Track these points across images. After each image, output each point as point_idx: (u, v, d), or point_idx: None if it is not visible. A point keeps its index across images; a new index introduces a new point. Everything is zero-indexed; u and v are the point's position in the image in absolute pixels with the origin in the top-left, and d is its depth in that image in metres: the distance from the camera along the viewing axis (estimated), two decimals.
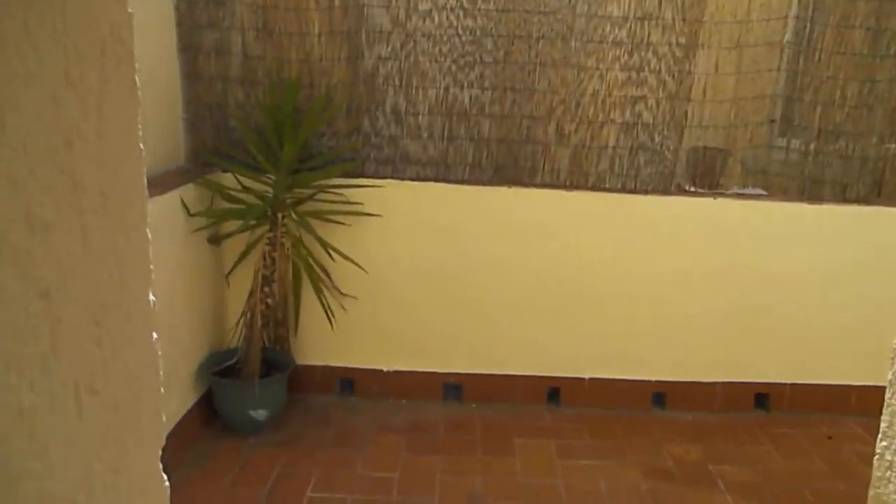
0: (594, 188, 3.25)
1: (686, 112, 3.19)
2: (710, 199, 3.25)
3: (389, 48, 3.09)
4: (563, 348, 3.34)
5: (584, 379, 3.37)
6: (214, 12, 3.02)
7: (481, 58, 3.12)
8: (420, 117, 3.15)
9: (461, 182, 3.22)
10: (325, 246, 3.04)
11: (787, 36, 3.15)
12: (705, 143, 3.23)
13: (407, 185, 3.17)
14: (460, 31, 3.09)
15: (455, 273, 3.25)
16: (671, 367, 3.38)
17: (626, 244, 3.25)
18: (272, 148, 2.94)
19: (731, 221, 3.26)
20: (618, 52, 3.13)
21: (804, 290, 3.35)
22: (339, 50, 3.09)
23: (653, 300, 3.30)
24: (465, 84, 3.14)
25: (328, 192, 3.05)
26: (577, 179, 3.25)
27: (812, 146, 3.25)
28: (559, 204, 3.23)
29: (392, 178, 3.18)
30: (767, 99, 3.21)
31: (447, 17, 3.07)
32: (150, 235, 0.71)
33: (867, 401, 3.45)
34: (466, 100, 3.16)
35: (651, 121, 3.19)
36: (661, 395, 3.40)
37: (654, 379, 3.38)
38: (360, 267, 3.11)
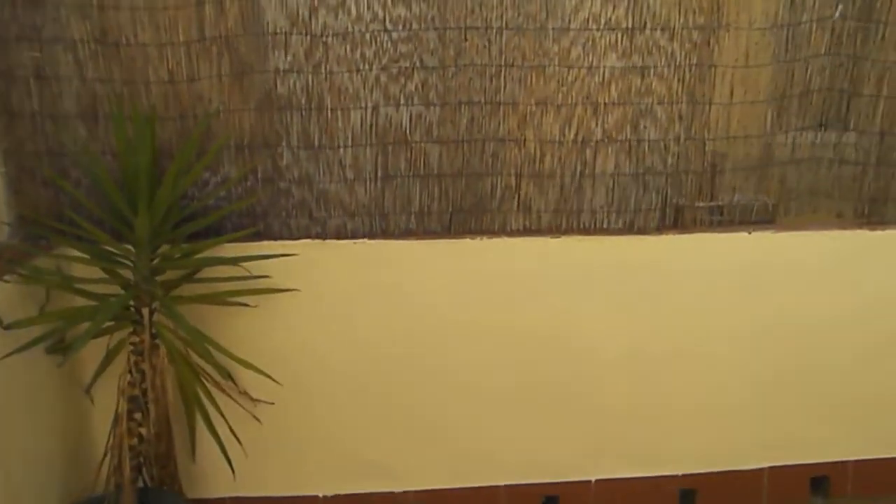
0: (589, 231, 2.39)
1: (708, 119, 2.33)
2: (745, 234, 2.41)
3: (290, 57, 2.16)
4: (559, 445, 2.48)
5: (589, 482, 2.52)
6: (27, 18, 2.06)
7: (422, 61, 2.22)
8: (341, 150, 2.24)
9: (406, 235, 2.32)
10: (212, 346, 2.12)
11: (840, 9, 2.31)
12: (734, 160, 2.39)
13: (331, 245, 2.27)
14: (389, 26, 2.19)
15: (407, 357, 2.37)
16: (702, 455, 2.55)
17: (634, 302, 2.40)
18: (124, 214, 2.01)
19: (770, 260, 2.43)
20: (612, 39, 2.25)
21: (865, 339, 2.54)
22: (218, 63, 2.16)
23: (673, 372, 2.46)
24: (402, 99, 2.24)
25: (220, 265, 2.15)
26: (566, 220, 2.38)
27: (873, 155, 2.43)
28: (542, 255, 2.36)
29: (309, 237, 2.27)
30: (814, 95, 2.37)
31: (368, 7, 2.16)
32: None
33: None
34: (405, 121, 2.26)
35: (662, 136, 2.33)
36: (690, 492, 2.57)
37: (680, 473, 2.55)
38: (265, 375, 2.20)
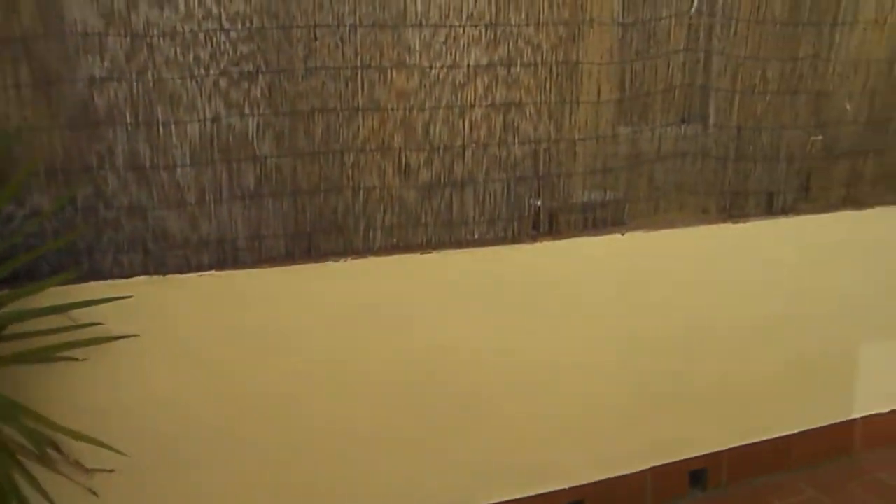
0: (462, 244, 2.22)
1: (577, 119, 2.23)
2: (618, 236, 2.34)
3: (107, 62, 1.81)
4: (440, 476, 2.30)
5: None
6: None
7: (266, 63, 1.94)
8: (178, 169, 1.92)
9: (260, 263, 2.04)
10: (28, 417, 1.74)
11: (696, 3, 2.28)
12: (604, 160, 2.31)
13: (172, 281, 1.94)
14: (226, 23, 1.89)
15: (268, 400, 2.08)
16: (588, 465, 2.47)
17: (513, 315, 2.26)
18: None
19: (643, 260, 2.38)
20: (475, 35, 2.09)
21: (732, 333, 2.58)
22: (14, 72, 1.76)
23: (556, 385, 2.36)
24: (246, 107, 1.95)
25: (35, 317, 1.76)
26: (437, 234, 2.20)
27: (732, 149, 2.44)
28: (414, 273, 2.16)
29: (146, 273, 1.93)
30: (676, 91, 2.34)
31: (199, 3, 1.85)
32: None
33: (809, 448, 2.80)
34: (250, 132, 1.97)
35: (531, 137, 2.21)
36: (578, 502, 2.49)
37: (567, 486, 2.46)
38: (94, 442, 1.84)
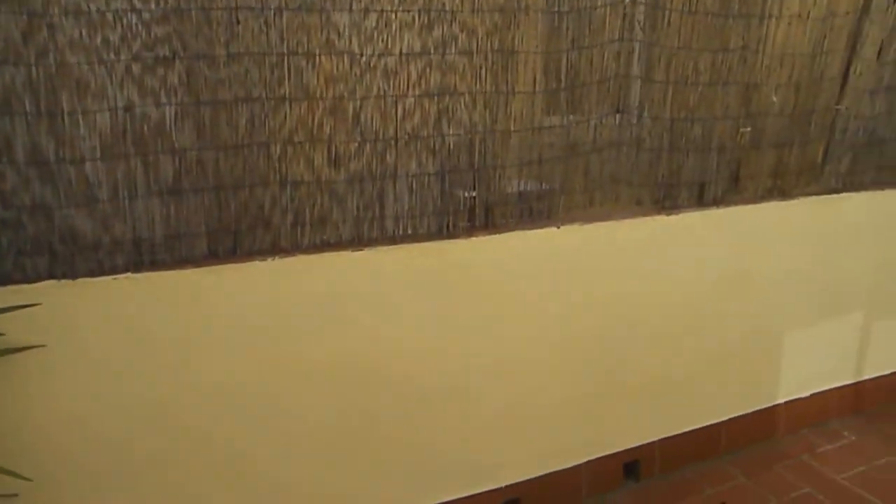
0: (395, 239, 2.12)
1: (512, 110, 2.17)
2: (554, 229, 2.30)
3: (1, 43, 1.63)
4: (375, 480, 2.21)
5: None
6: None
7: (184, 47, 1.79)
8: (87, 164, 1.75)
9: (181, 263, 1.89)
10: None
11: None
12: (540, 151, 2.25)
13: (83, 285, 1.77)
14: (138, 2, 1.72)
15: (191, 412, 1.94)
16: (523, 463, 2.44)
17: (450, 312, 2.19)
18: None
19: (578, 253, 2.35)
20: (408, 19, 1.99)
21: (662, 323, 2.58)
22: None
23: (492, 382, 2.31)
24: (164, 96, 1.80)
25: None
26: (368, 230, 2.10)
27: (665, 140, 2.43)
28: (346, 271, 2.05)
29: (53, 277, 1.76)
30: (611, 81, 2.30)
31: None
32: None
33: (736, 434, 2.85)
34: (168, 122, 1.82)
35: (467, 129, 2.13)
36: (513, 500, 2.45)
37: (503, 485, 2.41)
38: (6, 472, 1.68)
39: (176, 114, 1.82)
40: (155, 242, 1.87)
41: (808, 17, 2.53)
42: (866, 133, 2.85)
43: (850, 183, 2.88)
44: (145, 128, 1.79)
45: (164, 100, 1.79)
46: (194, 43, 1.79)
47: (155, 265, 1.87)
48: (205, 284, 1.90)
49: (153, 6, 1.73)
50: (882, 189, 2.95)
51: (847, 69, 2.70)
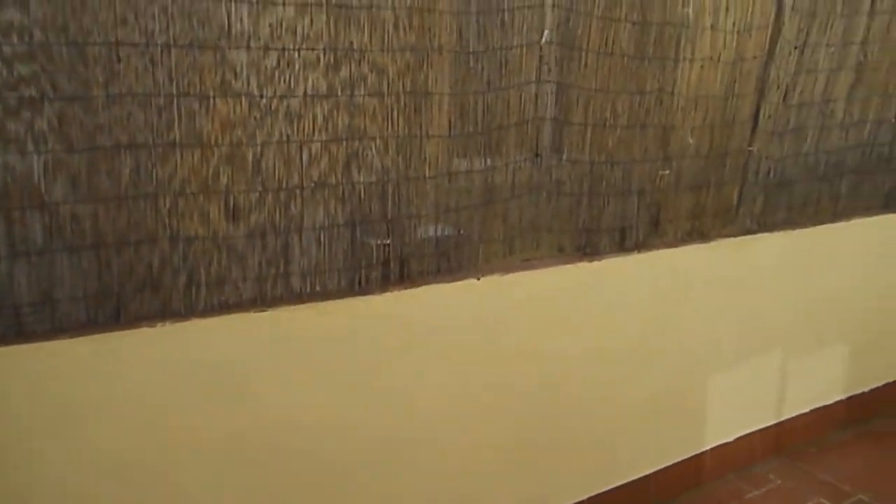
0: (302, 297, 1.93)
1: (427, 155, 2.03)
2: (474, 281, 2.16)
3: None
4: None
5: None
6: None
7: (54, 87, 1.57)
8: None
9: (51, 334, 1.64)
10: None
11: (546, 34, 2.16)
12: (457, 199, 2.12)
13: None
14: None
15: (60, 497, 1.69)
16: None
17: (362, 379, 2.01)
18: None
19: (500, 307, 2.22)
20: (312, 58, 1.83)
21: (596, 372, 2.48)
22: None
23: (416, 451, 2.13)
24: (29, 143, 1.56)
25: None
26: (272, 288, 1.90)
27: (585, 184, 2.34)
28: (247, 335, 1.84)
29: None
30: (529, 124, 2.20)
31: None
32: None
33: (666, 484, 2.76)
34: (36, 173, 1.58)
35: (379, 175, 1.97)
36: None
37: None
38: None
39: (46, 164, 1.59)
40: (22, 310, 1.62)
41: (718, 61, 2.51)
42: (777, 174, 2.86)
43: (764, 223, 2.87)
44: (8, 180, 1.55)
45: (30, 148, 1.56)
46: (67, 83, 1.58)
47: (22, 336, 1.61)
48: (83, 355, 1.66)
49: (15, 40, 1.51)
50: (794, 229, 2.96)
51: (757, 112, 2.70)
